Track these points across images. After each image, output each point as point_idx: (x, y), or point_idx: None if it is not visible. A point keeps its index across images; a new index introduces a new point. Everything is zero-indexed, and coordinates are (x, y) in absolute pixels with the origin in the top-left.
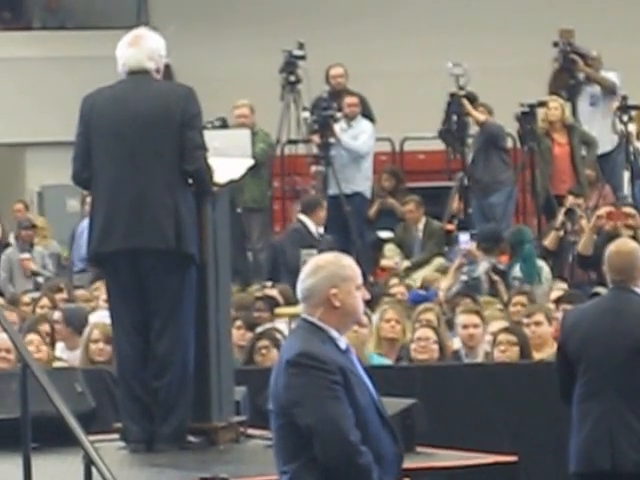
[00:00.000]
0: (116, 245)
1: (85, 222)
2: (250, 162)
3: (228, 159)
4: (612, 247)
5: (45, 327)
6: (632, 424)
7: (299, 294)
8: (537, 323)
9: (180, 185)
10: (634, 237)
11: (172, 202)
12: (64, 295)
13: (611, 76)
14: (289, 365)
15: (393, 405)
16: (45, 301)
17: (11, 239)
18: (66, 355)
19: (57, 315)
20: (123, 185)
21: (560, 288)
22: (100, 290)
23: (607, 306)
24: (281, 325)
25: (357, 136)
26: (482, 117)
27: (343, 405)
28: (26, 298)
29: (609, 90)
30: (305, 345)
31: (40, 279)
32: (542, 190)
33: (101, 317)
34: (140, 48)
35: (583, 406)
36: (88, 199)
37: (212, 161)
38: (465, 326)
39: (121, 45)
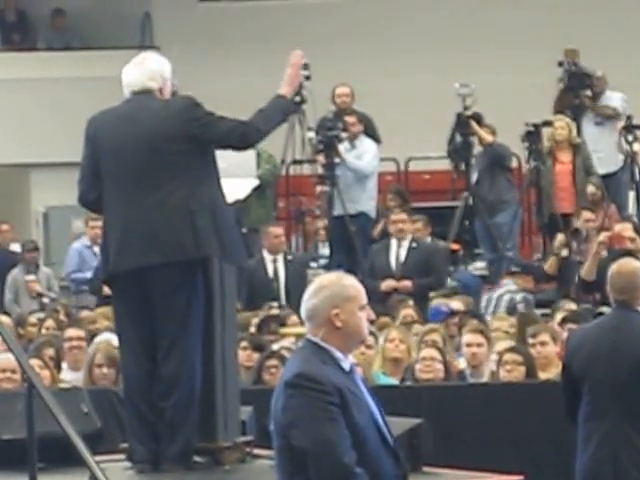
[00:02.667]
0: (132, 263)
1: (75, 244)
2: (255, 182)
3: (234, 179)
4: (614, 267)
5: (49, 352)
6: (636, 443)
7: (303, 314)
8: (542, 343)
9: (194, 195)
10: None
11: (187, 211)
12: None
13: (615, 99)
14: (286, 386)
15: (399, 425)
16: (50, 322)
17: None
18: (70, 376)
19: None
20: (135, 204)
21: (566, 308)
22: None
23: (609, 325)
24: (289, 344)
25: (361, 156)
26: (490, 138)
27: (339, 426)
28: (32, 319)
29: (612, 117)
30: (303, 366)
31: (45, 300)
32: (545, 209)
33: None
34: (142, 69)
35: (588, 425)
36: (91, 222)
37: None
38: (469, 345)
39: (126, 67)
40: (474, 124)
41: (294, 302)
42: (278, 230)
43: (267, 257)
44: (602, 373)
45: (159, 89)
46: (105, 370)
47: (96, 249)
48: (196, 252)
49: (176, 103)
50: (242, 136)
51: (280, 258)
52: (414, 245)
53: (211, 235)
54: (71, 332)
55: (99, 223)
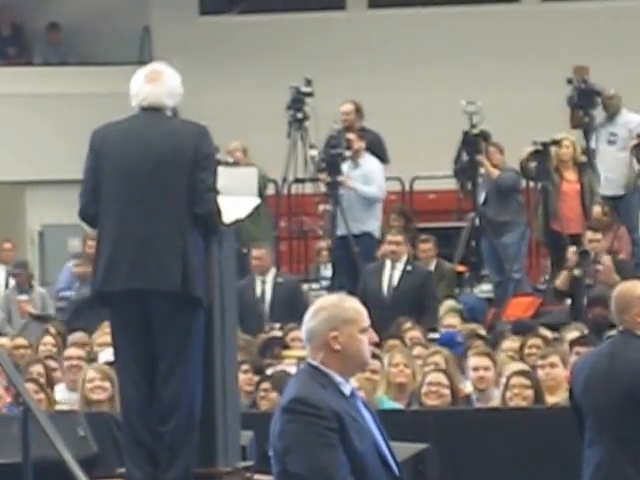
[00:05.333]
0: (120, 285)
1: (70, 262)
2: (257, 201)
3: (234, 198)
4: (617, 289)
5: (38, 369)
6: (627, 472)
7: (303, 336)
8: (552, 365)
9: (189, 226)
10: None
11: (180, 243)
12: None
13: (632, 118)
14: (283, 411)
15: (405, 450)
16: (49, 339)
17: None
18: (67, 396)
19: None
20: (130, 223)
21: (576, 329)
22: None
23: (605, 351)
24: (291, 368)
25: (367, 176)
26: (495, 172)
27: (336, 452)
28: (22, 340)
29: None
30: (301, 390)
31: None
32: (546, 228)
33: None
34: (162, 84)
35: (587, 452)
36: (89, 241)
37: (219, 200)
38: (476, 368)
39: (138, 79)
40: (485, 160)
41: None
42: (260, 252)
43: (258, 278)
44: (596, 400)
45: (172, 107)
46: (97, 383)
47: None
48: (183, 287)
49: (189, 129)
50: (209, 200)
51: (269, 279)
52: (409, 268)
53: (199, 274)
54: (71, 351)
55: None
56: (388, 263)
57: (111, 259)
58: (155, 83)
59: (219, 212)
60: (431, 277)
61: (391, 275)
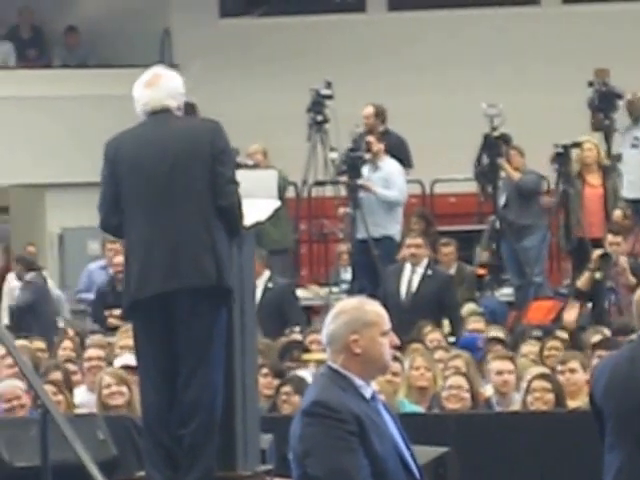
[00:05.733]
0: (154, 289)
1: (91, 265)
2: (277, 203)
3: (254, 200)
4: (638, 293)
5: (56, 375)
6: None
7: (323, 340)
8: (572, 370)
9: (215, 220)
10: None
11: (209, 238)
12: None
13: None
14: (303, 414)
15: (425, 454)
16: (68, 343)
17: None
18: (87, 397)
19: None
20: (158, 227)
21: (598, 332)
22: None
23: (625, 355)
24: (305, 372)
25: (387, 179)
26: (516, 176)
27: (356, 456)
28: (40, 343)
29: None
30: (321, 394)
31: (61, 323)
32: (573, 233)
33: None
34: (159, 87)
35: (607, 457)
36: (108, 244)
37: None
38: (499, 372)
39: (138, 86)
40: (504, 163)
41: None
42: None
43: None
44: (616, 404)
45: (177, 107)
46: (115, 388)
47: (110, 271)
48: (217, 281)
49: (202, 125)
50: (232, 193)
51: (260, 283)
52: (429, 272)
53: (229, 267)
54: (91, 352)
55: (116, 246)
56: (408, 266)
57: (144, 265)
58: (153, 87)
59: (240, 205)
60: (451, 281)
61: (411, 279)
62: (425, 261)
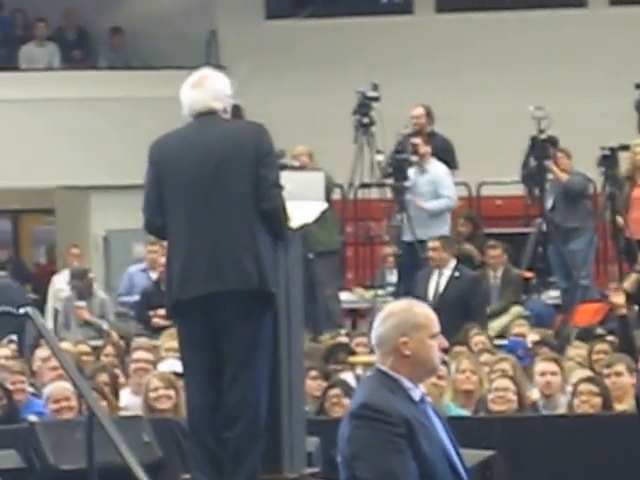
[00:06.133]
0: (196, 291)
1: (131, 268)
2: (324, 206)
3: (301, 202)
4: None
5: (103, 377)
6: None
7: (372, 342)
8: (617, 373)
9: (257, 224)
10: None
11: (252, 242)
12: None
13: None
14: (352, 417)
15: (472, 457)
16: (109, 349)
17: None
18: (132, 400)
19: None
20: (200, 229)
21: None
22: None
23: None
24: (349, 375)
25: (435, 182)
26: (564, 177)
27: (405, 459)
28: (85, 347)
29: None
30: (369, 396)
31: (105, 326)
32: (621, 236)
33: (169, 366)
34: (205, 89)
35: None
36: (149, 246)
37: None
38: (543, 373)
39: (185, 87)
40: (551, 165)
41: None
42: None
43: None
44: None
45: (223, 109)
46: (162, 392)
47: (151, 274)
48: (259, 285)
49: (246, 128)
50: (275, 196)
51: None
52: (456, 274)
53: (272, 271)
54: (139, 354)
55: (157, 247)
56: (436, 270)
57: (186, 267)
58: (198, 89)
59: (285, 209)
60: (477, 282)
61: (438, 282)
62: (452, 263)
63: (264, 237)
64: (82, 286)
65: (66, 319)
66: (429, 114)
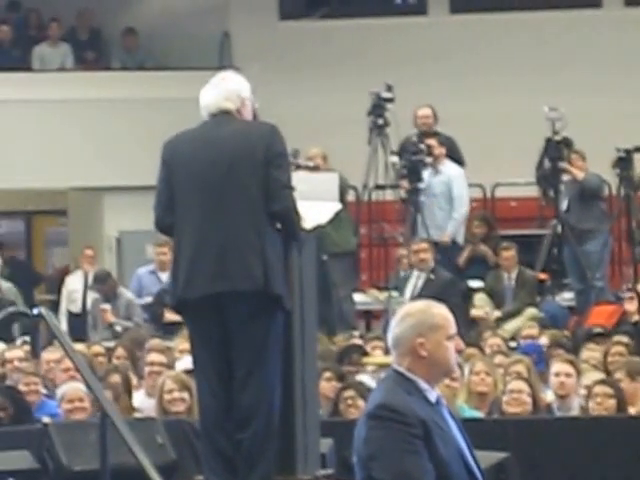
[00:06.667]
0: (201, 291)
1: (140, 270)
2: (338, 206)
3: (315, 203)
4: None
5: (115, 378)
6: None
7: (389, 342)
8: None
9: (267, 226)
10: None
11: (259, 243)
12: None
13: None
14: (368, 418)
15: (486, 459)
16: (121, 351)
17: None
18: (146, 402)
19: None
20: (208, 229)
21: None
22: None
23: None
24: (363, 376)
25: (448, 183)
26: (580, 175)
27: (421, 460)
28: (99, 348)
29: None
30: (386, 397)
31: (118, 328)
32: (636, 238)
33: (184, 366)
34: (218, 90)
35: None
36: (158, 248)
37: (299, 205)
38: (557, 374)
39: (204, 88)
40: (567, 165)
41: None
42: None
43: None
44: None
45: (237, 110)
46: (176, 394)
47: (160, 275)
48: (265, 286)
49: (258, 128)
50: (286, 197)
51: None
52: (432, 277)
53: (279, 273)
54: (153, 357)
55: (165, 249)
56: (415, 272)
57: (192, 265)
58: (213, 90)
59: (296, 209)
60: (452, 285)
61: (416, 283)
62: (432, 265)
63: (272, 238)
64: (106, 289)
65: (94, 321)
66: (435, 114)
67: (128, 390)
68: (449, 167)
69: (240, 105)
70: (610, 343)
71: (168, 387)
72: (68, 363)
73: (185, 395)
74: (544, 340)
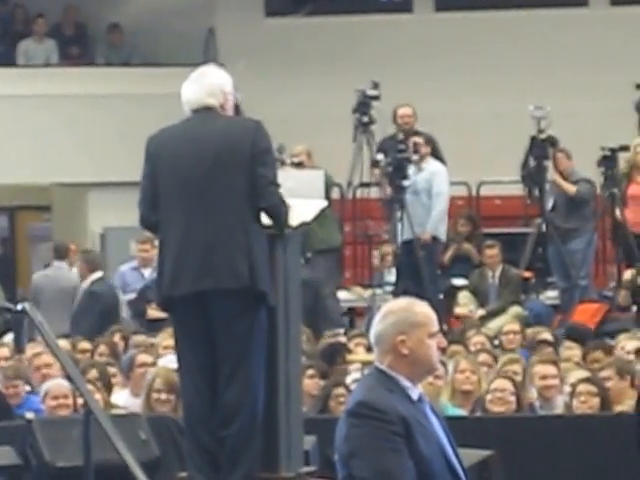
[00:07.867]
0: (187, 288)
1: (123, 266)
2: (324, 204)
3: (301, 200)
4: None
5: (93, 373)
6: None
7: (371, 340)
8: (606, 379)
9: (251, 222)
10: None
11: (245, 240)
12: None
13: None
14: (349, 415)
15: (469, 457)
16: (103, 348)
17: None
18: (131, 402)
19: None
20: (193, 226)
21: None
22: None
23: None
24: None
25: (429, 179)
26: (573, 189)
27: (401, 457)
28: (85, 344)
29: None
30: (366, 394)
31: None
32: (620, 236)
33: (168, 362)
34: (199, 85)
35: None
36: (140, 245)
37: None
38: (544, 377)
39: (185, 84)
40: (558, 179)
41: None
42: None
43: None
44: None
45: (220, 105)
46: (164, 396)
47: (143, 271)
48: (250, 283)
49: (243, 123)
50: (272, 194)
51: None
52: None
53: (264, 270)
54: (143, 358)
55: (147, 246)
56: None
57: (177, 263)
58: (195, 85)
59: (284, 204)
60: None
61: None
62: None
63: (257, 235)
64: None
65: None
66: (415, 113)
67: (106, 386)
68: (431, 164)
69: (223, 100)
70: (589, 347)
71: (157, 387)
72: (47, 359)
73: (172, 397)
74: (541, 335)
